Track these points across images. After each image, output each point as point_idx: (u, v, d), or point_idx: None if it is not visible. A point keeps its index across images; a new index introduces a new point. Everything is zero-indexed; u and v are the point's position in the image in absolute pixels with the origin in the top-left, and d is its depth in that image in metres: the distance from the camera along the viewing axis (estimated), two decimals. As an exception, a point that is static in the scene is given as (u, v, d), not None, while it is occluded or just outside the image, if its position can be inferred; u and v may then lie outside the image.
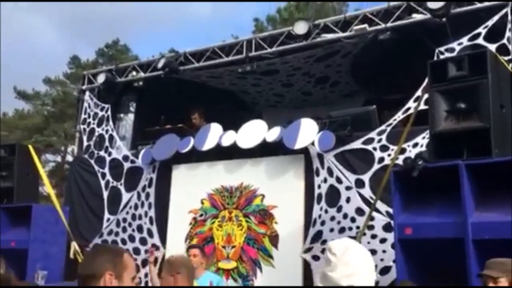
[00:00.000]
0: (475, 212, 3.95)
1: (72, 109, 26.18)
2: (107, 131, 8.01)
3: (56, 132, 26.05)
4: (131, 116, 8.75)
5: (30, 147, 7.04)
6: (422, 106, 5.43)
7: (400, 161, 5.32)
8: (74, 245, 6.73)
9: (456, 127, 4.11)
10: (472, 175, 3.98)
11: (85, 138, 8.25)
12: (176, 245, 6.87)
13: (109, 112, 8.14)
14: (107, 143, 7.94)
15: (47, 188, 6.90)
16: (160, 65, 7.55)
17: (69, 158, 28.01)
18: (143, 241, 7.12)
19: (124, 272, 1.85)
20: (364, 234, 5.62)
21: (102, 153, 7.92)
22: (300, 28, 6.42)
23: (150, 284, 6.81)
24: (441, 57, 5.58)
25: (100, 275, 1.79)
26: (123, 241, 7.29)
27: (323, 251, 5.89)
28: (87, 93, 8.48)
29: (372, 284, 1.79)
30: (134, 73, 8.21)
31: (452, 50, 5.60)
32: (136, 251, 7.15)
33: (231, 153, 6.73)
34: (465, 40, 5.58)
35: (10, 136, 26.63)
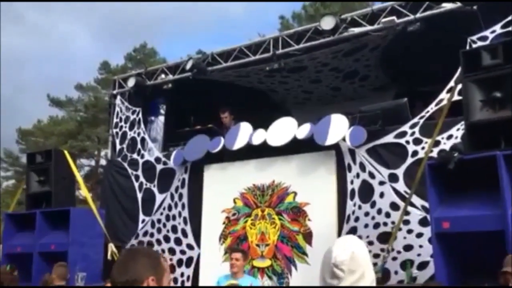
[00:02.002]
0: (515, 203, 3.85)
1: (103, 114, 26.74)
2: (139, 134, 8.13)
3: (89, 137, 26.63)
4: (161, 119, 8.84)
5: (66, 152, 7.23)
6: (456, 97, 5.35)
7: (434, 153, 5.21)
8: (112, 247, 6.87)
9: (492, 117, 4.02)
10: (510, 165, 3.87)
11: (117, 141, 8.39)
12: (210, 244, 6.93)
13: (140, 115, 8.26)
14: (139, 146, 8.06)
15: (84, 191, 7.06)
16: (188, 66, 7.61)
17: (103, 162, 28.61)
18: (178, 241, 7.20)
19: (163, 275, 1.80)
20: (400, 229, 5.55)
21: (135, 155, 8.04)
22: (327, 23, 6.36)
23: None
24: (474, 46, 5.45)
25: (142, 281, 1.72)
26: (158, 242, 7.39)
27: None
28: (118, 97, 8.62)
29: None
30: (163, 75, 8.29)
31: (485, 38, 5.45)
32: (172, 251, 7.24)
33: (262, 151, 6.73)
34: (498, 28, 5.42)
35: (45, 142, 27.37)
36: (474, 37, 5.54)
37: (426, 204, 5.39)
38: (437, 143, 5.40)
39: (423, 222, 5.41)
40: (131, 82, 8.25)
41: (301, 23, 25.39)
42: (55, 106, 29.48)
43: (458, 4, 5.76)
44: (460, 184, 4.18)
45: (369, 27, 6.40)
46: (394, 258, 5.51)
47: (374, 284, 1.81)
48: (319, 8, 25.23)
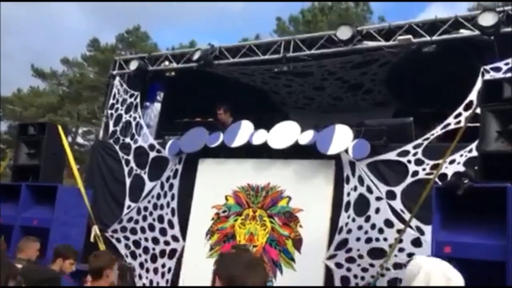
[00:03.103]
0: (520, 236, 3.89)
1: (87, 92, 26.35)
2: (134, 118, 7.98)
3: (69, 113, 26.14)
4: (157, 106, 8.70)
5: (60, 127, 7.03)
6: (462, 124, 5.41)
7: (436, 177, 5.25)
8: (95, 229, 6.73)
9: (507, 149, 4.05)
10: (520, 199, 3.91)
11: (111, 123, 8.21)
12: (196, 238, 6.84)
13: (138, 100, 8.11)
14: (133, 130, 7.91)
15: (73, 170, 6.88)
16: (195, 57, 7.51)
17: (79, 139, 28.15)
18: (163, 231, 7.08)
19: None
20: (390, 245, 5.58)
21: (127, 139, 7.89)
22: (344, 33, 6.35)
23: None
24: (486, 75, 5.52)
25: None
26: (143, 230, 7.26)
27: (347, 259, 5.84)
28: (117, 78, 8.44)
29: None
30: (166, 62, 8.17)
31: (498, 69, 5.52)
32: (155, 240, 7.13)
33: (261, 152, 6.68)
34: (512, 61, 5.50)
35: (23, 113, 26.80)
36: (488, 67, 5.61)
37: (421, 225, 5.46)
38: (437, 167, 5.44)
39: (415, 243, 5.46)
40: (133, 65, 8.10)
41: (297, 27, 25.47)
42: (38, 77, 28.91)
43: (476, 32, 5.82)
44: (466, 210, 4.20)
45: (384, 43, 6.42)
46: (383, 275, 5.53)
47: None
48: (317, 15, 25.36)
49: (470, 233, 4.14)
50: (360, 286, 5.64)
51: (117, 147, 7.91)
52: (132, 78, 8.35)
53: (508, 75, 4.99)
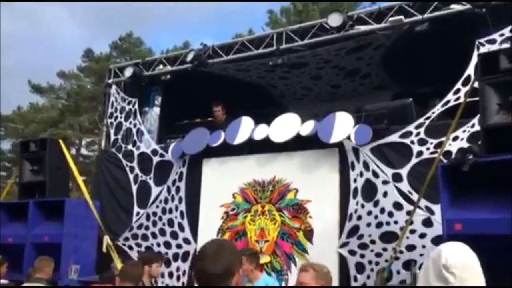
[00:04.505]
0: (529, 207, 3.86)
1: (86, 103, 26.36)
2: (135, 125, 7.98)
3: (71, 126, 26.16)
4: (156, 110, 8.69)
5: (61, 141, 7.03)
6: (462, 99, 5.37)
7: (441, 155, 5.22)
8: (107, 239, 6.73)
9: (509, 120, 4.01)
10: (526, 169, 3.88)
11: (112, 132, 8.22)
12: (207, 239, 6.74)
13: (136, 106, 8.11)
14: (135, 137, 7.91)
15: (79, 183, 6.89)
16: (189, 58, 7.49)
17: (83, 151, 28.20)
18: (174, 235, 7.10)
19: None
20: (401, 228, 5.56)
21: (130, 147, 7.89)
22: (334, 20, 6.32)
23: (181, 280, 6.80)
24: (482, 48, 5.47)
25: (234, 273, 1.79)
26: (154, 235, 7.28)
27: (360, 246, 5.83)
28: (114, 86, 8.44)
29: None
30: (161, 66, 8.16)
31: (493, 41, 5.47)
32: (167, 245, 7.14)
33: (263, 147, 6.67)
34: (507, 31, 5.44)
35: (25, 129, 26.85)
36: (482, 40, 5.56)
37: (430, 205, 5.44)
38: (441, 144, 5.41)
39: (426, 223, 5.44)
40: (128, 72, 8.09)
41: (289, 18, 25.36)
42: (36, 93, 28.93)
43: (467, 6, 5.77)
44: (473, 186, 4.18)
45: (376, 26, 6.38)
46: (397, 258, 5.52)
47: None
48: (308, 4, 25.23)
49: (479, 209, 4.11)
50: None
51: (120, 156, 7.92)
52: (129, 85, 8.35)
53: (504, 46, 4.94)
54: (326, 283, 2.71)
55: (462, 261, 1.69)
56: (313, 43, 6.89)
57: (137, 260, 5.30)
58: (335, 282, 5.90)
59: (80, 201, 7.02)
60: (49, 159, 6.78)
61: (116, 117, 8.22)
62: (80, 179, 6.93)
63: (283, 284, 6.17)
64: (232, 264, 1.77)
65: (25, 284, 4.82)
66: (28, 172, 6.94)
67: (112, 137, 8.19)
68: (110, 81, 8.57)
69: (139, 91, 8.42)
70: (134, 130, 7.97)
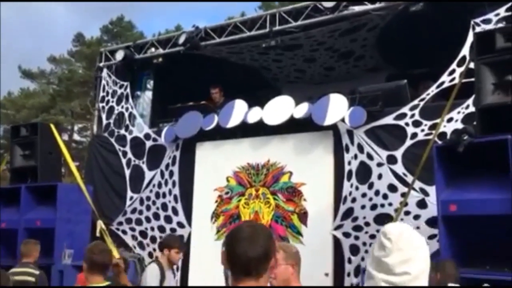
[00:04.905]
0: (524, 187, 3.85)
1: (78, 88, 26.10)
2: (127, 109, 7.89)
3: (63, 111, 25.94)
4: (148, 94, 8.60)
5: (52, 126, 6.95)
6: (457, 80, 5.34)
7: (435, 137, 5.20)
8: (101, 224, 6.68)
9: (504, 100, 3.99)
10: (521, 150, 3.87)
11: (104, 116, 8.13)
12: (201, 223, 6.83)
13: (128, 90, 8.01)
14: (127, 121, 7.83)
15: (71, 167, 6.82)
16: (181, 40, 7.38)
17: (76, 136, 28.02)
18: (168, 219, 7.07)
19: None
20: (396, 210, 5.56)
21: (122, 131, 7.82)
22: (328, 0, 6.22)
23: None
24: (477, 28, 5.42)
25: (271, 256, 1.71)
26: (148, 219, 7.25)
27: (355, 228, 5.83)
28: (105, 70, 8.33)
29: (427, 272, 1.70)
30: (152, 49, 8.04)
31: (488, 21, 5.41)
32: (161, 229, 7.12)
33: (257, 130, 6.62)
34: (502, 11, 5.38)
35: (17, 115, 26.58)
36: (478, 20, 5.51)
37: (425, 187, 5.43)
38: (436, 126, 5.38)
39: (420, 204, 5.44)
40: (119, 55, 7.98)
41: (283, 3, 25.11)
42: (26, 78, 28.61)
43: (462, -15, 5.69)
44: (468, 167, 4.18)
45: (370, 6, 6.30)
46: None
47: (425, 274, 1.69)
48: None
49: (474, 190, 4.12)
50: None
51: (112, 140, 7.85)
52: (120, 68, 8.23)
53: (499, 25, 4.89)
54: (295, 263, 2.73)
55: (399, 230, 1.71)
56: (306, 25, 6.80)
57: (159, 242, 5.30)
58: (330, 264, 5.94)
59: (73, 186, 6.97)
60: (40, 144, 6.72)
61: (108, 101, 8.13)
62: (72, 164, 6.86)
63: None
64: (270, 246, 1.71)
65: (17, 269, 4.77)
66: (20, 157, 6.88)
67: (104, 122, 8.11)
68: (101, 64, 8.45)
69: (130, 74, 8.31)
70: (126, 114, 7.89)
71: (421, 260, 1.69)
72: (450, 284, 3.59)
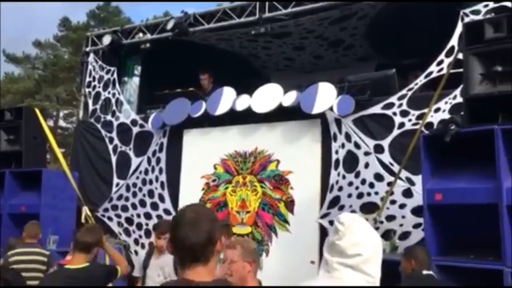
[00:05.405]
0: (509, 177, 3.89)
1: (63, 73, 25.76)
2: (113, 94, 7.81)
3: (48, 97, 25.61)
4: (135, 80, 8.52)
5: (37, 110, 6.85)
6: (445, 71, 5.36)
7: (422, 126, 5.22)
8: (86, 210, 6.65)
9: (492, 90, 4.01)
10: (507, 139, 3.90)
11: (90, 101, 8.04)
12: (188, 210, 6.80)
13: (115, 75, 7.92)
14: (114, 107, 7.75)
15: (56, 152, 6.74)
16: (169, 26, 7.30)
17: (61, 122, 27.71)
18: (154, 206, 7.04)
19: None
20: (382, 199, 5.60)
21: (109, 117, 7.74)
22: (319, -13, 6.19)
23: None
24: (466, 19, 5.43)
25: (216, 240, 1.71)
26: (134, 206, 7.22)
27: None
28: (91, 55, 8.22)
29: (380, 256, 1.85)
30: (140, 34, 7.95)
31: (477, 12, 5.43)
32: (147, 216, 7.09)
33: (245, 117, 6.59)
34: (491, 2, 5.41)
35: (1, 100, 26.16)
36: (467, 10, 5.52)
37: (411, 176, 5.47)
38: (423, 116, 5.41)
39: (406, 193, 5.46)
40: (106, 40, 7.87)
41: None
42: (11, 63, 28.16)
43: (453, -25, 5.69)
44: (454, 156, 4.20)
45: (360, -5, 6.28)
46: (377, 228, 5.55)
47: (377, 258, 1.83)
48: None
49: (460, 179, 4.14)
50: None
51: (99, 126, 7.77)
52: (107, 53, 8.13)
53: (488, 16, 4.91)
54: (253, 260, 2.69)
55: (352, 217, 1.88)
56: (296, 12, 6.76)
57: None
58: (316, 252, 5.96)
59: (58, 171, 6.91)
60: (25, 129, 6.62)
61: (94, 86, 8.03)
62: (57, 149, 6.78)
63: (264, 254, 6.19)
64: (214, 230, 1.69)
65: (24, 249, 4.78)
66: (4, 141, 6.77)
67: (91, 107, 8.02)
68: (87, 49, 8.34)
69: (117, 60, 8.21)
70: (113, 100, 7.81)
71: (371, 245, 1.84)
72: (424, 272, 3.62)
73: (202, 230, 1.66)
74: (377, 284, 1.81)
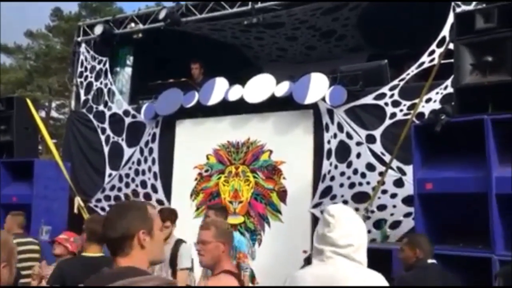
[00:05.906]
0: (499, 166, 3.93)
1: (55, 64, 25.55)
2: (106, 85, 7.78)
3: (40, 87, 25.41)
4: (128, 70, 8.49)
5: (28, 100, 6.81)
6: (436, 61, 5.38)
7: (414, 117, 5.25)
8: (78, 200, 6.65)
9: (482, 81, 4.03)
10: (497, 129, 3.93)
11: (82, 92, 8.00)
12: (181, 200, 6.82)
13: (107, 65, 7.89)
14: (106, 98, 7.73)
15: (48, 142, 6.71)
16: (161, 16, 7.26)
17: (53, 113, 27.54)
18: (147, 197, 7.04)
19: (153, 225, 1.78)
20: (373, 189, 5.64)
21: (101, 107, 7.72)
22: (311, -22, 6.18)
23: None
24: (458, 9, 5.45)
25: (133, 235, 1.71)
26: (126, 197, 7.21)
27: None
28: (83, 45, 8.17)
29: (365, 242, 1.97)
30: (132, 24, 7.90)
31: (469, 2, 5.45)
32: (140, 206, 7.08)
33: (238, 108, 6.60)
34: (483, -7, 5.42)
35: (-8, 90, 25.95)
36: (459, 1, 5.54)
37: (402, 166, 5.51)
38: (415, 106, 5.43)
39: (397, 183, 5.52)
40: (98, 30, 7.82)
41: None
42: (2, 53, 27.88)
43: (445, -34, 5.70)
44: (445, 146, 4.23)
45: (352, -15, 6.27)
46: (368, 218, 5.60)
47: (364, 245, 1.96)
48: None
49: (450, 168, 4.17)
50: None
51: (91, 116, 7.75)
52: (99, 43, 8.09)
53: (479, 6, 4.92)
54: (226, 240, 2.65)
55: (341, 208, 2.00)
56: (289, 3, 6.74)
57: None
58: (308, 241, 5.99)
59: (50, 162, 6.89)
60: (16, 119, 6.58)
61: (86, 76, 8.00)
62: (49, 139, 6.76)
63: (257, 244, 6.23)
64: (131, 226, 1.71)
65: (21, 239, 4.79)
66: (-6, 131, 6.72)
67: (83, 97, 7.99)
68: (79, 39, 8.29)
69: (109, 50, 8.17)
70: (105, 90, 7.78)
71: (359, 233, 1.96)
72: (429, 261, 3.63)
73: (120, 226, 1.71)
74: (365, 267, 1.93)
